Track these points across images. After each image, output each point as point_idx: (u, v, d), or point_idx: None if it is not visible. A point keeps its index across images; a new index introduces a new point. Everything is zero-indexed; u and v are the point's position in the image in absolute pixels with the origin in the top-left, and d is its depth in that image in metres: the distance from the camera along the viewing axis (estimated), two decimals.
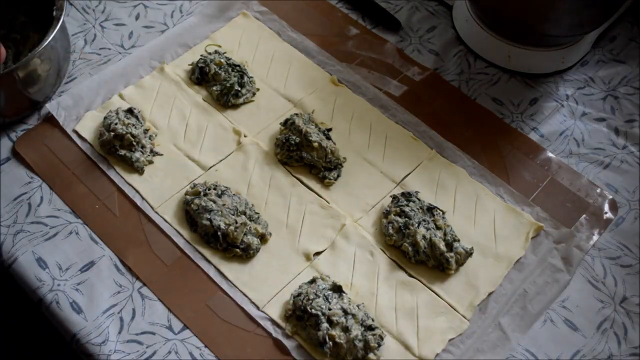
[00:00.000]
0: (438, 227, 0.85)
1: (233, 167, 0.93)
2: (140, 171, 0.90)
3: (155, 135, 0.94)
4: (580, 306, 0.83)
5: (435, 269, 0.84)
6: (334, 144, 0.92)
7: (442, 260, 0.82)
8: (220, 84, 0.98)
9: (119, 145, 0.90)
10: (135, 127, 0.92)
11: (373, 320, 0.78)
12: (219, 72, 0.98)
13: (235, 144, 0.95)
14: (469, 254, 0.83)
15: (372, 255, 0.85)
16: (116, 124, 0.91)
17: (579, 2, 0.91)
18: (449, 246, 0.83)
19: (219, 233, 0.83)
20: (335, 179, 0.91)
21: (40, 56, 0.89)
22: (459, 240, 0.84)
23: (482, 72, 1.05)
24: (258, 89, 1.00)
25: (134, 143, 0.90)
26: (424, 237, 0.83)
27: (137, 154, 0.91)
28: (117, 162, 0.92)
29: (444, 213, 0.87)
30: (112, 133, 0.90)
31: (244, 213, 0.85)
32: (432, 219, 0.86)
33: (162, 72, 1.01)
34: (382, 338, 0.77)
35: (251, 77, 1.00)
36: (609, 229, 0.89)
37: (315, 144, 0.90)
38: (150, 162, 0.91)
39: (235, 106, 0.98)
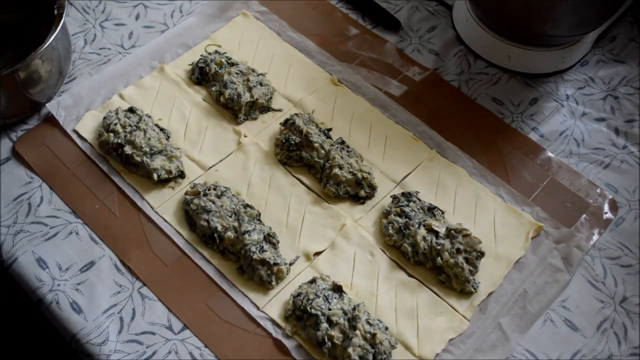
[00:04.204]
0: None
1: (233, 167, 0.93)
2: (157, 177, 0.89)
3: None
4: (580, 306, 0.83)
5: (433, 270, 0.84)
6: (369, 173, 0.90)
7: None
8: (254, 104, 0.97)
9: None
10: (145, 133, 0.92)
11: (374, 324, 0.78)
12: (220, 72, 0.98)
13: (235, 144, 0.95)
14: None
15: (372, 255, 0.85)
16: (116, 124, 0.91)
17: (579, 2, 0.91)
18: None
19: (215, 235, 0.83)
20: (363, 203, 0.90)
21: (42, 57, 0.89)
22: None
23: (482, 72, 1.05)
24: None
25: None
26: (424, 237, 0.83)
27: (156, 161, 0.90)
28: (116, 162, 0.91)
29: (443, 213, 0.87)
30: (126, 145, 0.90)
31: (239, 218, 0.84)
32: (433, 219, 0.86)
33: (162, 72, 1.01)
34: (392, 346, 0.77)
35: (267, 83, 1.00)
36: (609, 229, 0.89)
37: (316, 145, 0.90)
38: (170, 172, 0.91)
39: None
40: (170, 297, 0.82)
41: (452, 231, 0.83)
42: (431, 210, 0.87)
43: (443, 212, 0.87)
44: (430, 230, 0.84)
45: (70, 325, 0.79)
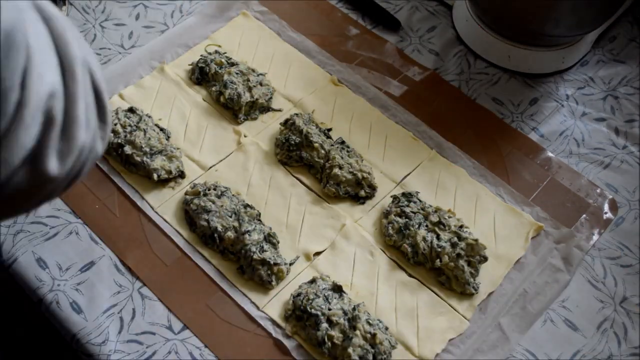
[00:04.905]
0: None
1: (233, 167, 0.93)
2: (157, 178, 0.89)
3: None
4: (580, 306, 0.83)
5: (433, 270, 0.84)
6: (369, 173, 0.90)
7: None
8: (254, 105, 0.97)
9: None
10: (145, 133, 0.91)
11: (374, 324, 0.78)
12: (220, 72, 0.98)
13: (235, 144, 0.95)
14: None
15: (372, 255, 0.85)
16: (116, 124, 0.91)
17: (579, 2, 0.91)
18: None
19: (215, 235, 0.83)
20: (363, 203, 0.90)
21: None
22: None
23: (482, 72, 1.05)
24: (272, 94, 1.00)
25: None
26: (424, 238, 0.83)
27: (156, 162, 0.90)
28: (116, 162, 0.91)
29: (450, 217, 0.87)
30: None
31: (240, 218, 0.84)
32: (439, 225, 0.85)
33: (162, 72, 1.01)
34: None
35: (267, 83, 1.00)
36: (609, 229, 0.89)
37: (316, 145, 0.90)
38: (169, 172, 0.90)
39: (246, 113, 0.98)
40: (170, 297, 0.82)
41: (457, 238, 0.83)
42: (437, 212, 0.86)
43: (449, 216, 0.86)
44: (431, 230, 0.84)
45: (70, 325, 0.79)
